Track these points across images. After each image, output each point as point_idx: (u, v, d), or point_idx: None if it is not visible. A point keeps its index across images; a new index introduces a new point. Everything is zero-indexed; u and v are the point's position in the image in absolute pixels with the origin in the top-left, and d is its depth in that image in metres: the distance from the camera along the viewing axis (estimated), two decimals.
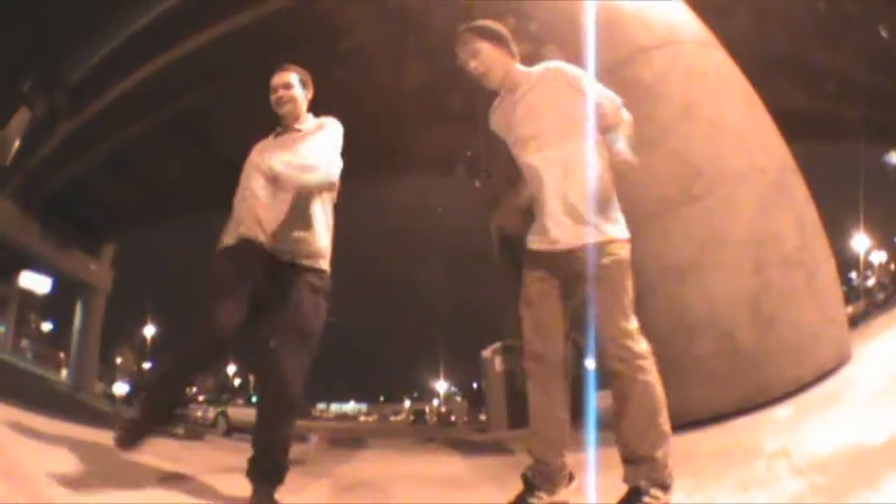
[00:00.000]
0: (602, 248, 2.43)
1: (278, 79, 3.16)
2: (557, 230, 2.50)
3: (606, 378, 2.45)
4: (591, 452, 2.53)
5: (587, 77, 2.57)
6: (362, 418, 64.65)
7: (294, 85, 3.15)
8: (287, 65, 3.22)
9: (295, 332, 2.79)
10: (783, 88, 9.88)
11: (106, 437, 4.99)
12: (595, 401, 2.59)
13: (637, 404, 2.37)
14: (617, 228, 2.49)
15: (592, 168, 2.48)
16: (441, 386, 54.22)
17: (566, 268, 2.50)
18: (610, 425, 2.46)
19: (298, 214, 2.92)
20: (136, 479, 2.88)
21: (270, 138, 3.17)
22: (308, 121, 3.16)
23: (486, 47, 2.59)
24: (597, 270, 2.41)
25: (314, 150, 2.98)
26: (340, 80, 12.06)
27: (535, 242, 2.59)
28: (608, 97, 2.55)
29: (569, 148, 2.49)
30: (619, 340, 2.39)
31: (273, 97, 3.14)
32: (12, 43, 12.68)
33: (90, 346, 23.60)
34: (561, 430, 2.52)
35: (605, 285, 2.41)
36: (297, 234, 2.91)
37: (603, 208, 2.48)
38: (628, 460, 2.36)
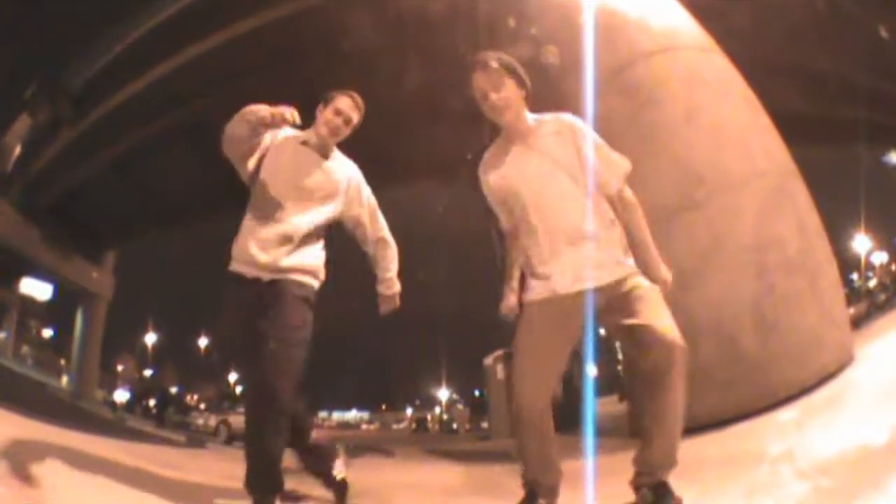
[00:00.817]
0: (630, 278, 2.43)
1: (351, 110, 3.00)
2: (562, 278, 2.44)
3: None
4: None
5: (596, 138, 2.56)
6: (364, 426, 64.50)
7: (355, 124, 3.03)
8: (359, 96, 3.04)
9: (279, 342, 2.71)
10: (783, 92, 9.88)
11: (107, 444, 5.01)
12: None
13: (678, 406, 2.37)
14: (632, 263, 2.50)
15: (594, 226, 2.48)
16: (443, 394, 54.06)
17: (576, 309, 2.43)
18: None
19: (304, 234, 2.87)
20: (138, 487, 2.87)
21: (298, 147, 3.00)
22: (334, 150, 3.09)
23: (511, 84, 2.51)
24: (633, 291, 2.41)
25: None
26: (341, 84, 12.10)
27: (538, 292, 2.48)
28: (616, 166, 2.57)
29: (576, 202, 2.48)
30: (672, 333, 2.37)
31: (337, 120, 2.96)
32: (15, 49, 12.72)
33: (91, 354, 23.60)
34: (554, 451, 2.47)
35: (647, 297, 2.42)
36: (297, 252, 2.85)
37: (621, 255, 2.49)
38: (658, 466, 2.38)
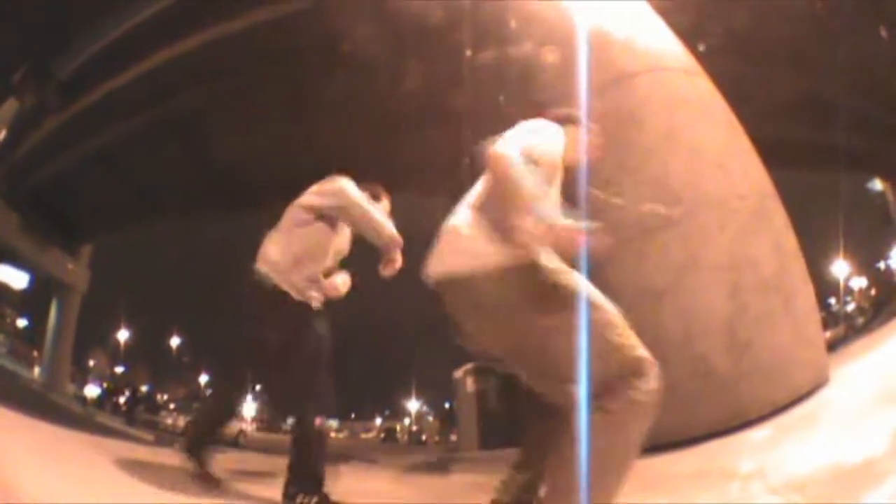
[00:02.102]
0: None
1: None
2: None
3: None
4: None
5: None
6: (332, 434, 64.04)
7: None
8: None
9: None
10: (765, 114, 9.96)
11: (75, 438, 4.92)
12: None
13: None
14: None
15: None
16: (413, 405, 53.91)
17: None
18: None
19: None
20: (104, 482, 2.83)
21: None
22: None
23: None
24: None
25: None
26: (338, 85, 12.05)
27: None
28: None
29: None
30: None
31: None
32: (5, 32, 12.54)
33: (64, 346, 23.18)
34: None
35: None
36: None
37: None
38: None
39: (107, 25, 13.72)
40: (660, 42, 5.66)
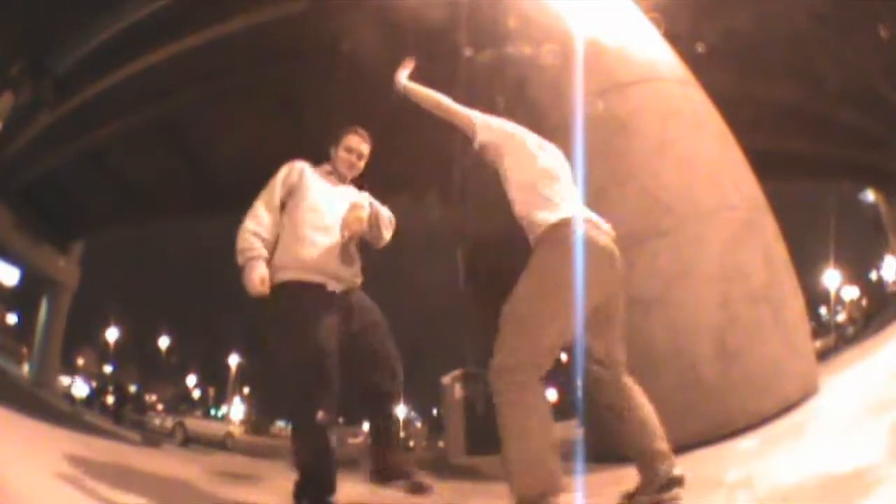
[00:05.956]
0: None
1: (360, 145, 3.33)
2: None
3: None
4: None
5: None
6: None
7: (366, 156, 3.36)
8: (363, 130, 3.37)
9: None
10: (757, 125, 9.99)
11: (62, 436, 4.90)
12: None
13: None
14: None
15: None
16: (400, 411, 53.67)
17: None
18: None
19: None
20: (89, 481, 2.82)
21: (326, 181, 3.28)
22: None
23: None
24: None
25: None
26: (334, 86, 12.02)
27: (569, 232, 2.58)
28: None
29: None
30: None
31: (347, 158, 3.31)
32: (2, 28, 12.47)
33: (53, 344, 23.05)
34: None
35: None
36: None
37: None
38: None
39: (104, 23, 13.64)
40: (654, 52, 5.70)
